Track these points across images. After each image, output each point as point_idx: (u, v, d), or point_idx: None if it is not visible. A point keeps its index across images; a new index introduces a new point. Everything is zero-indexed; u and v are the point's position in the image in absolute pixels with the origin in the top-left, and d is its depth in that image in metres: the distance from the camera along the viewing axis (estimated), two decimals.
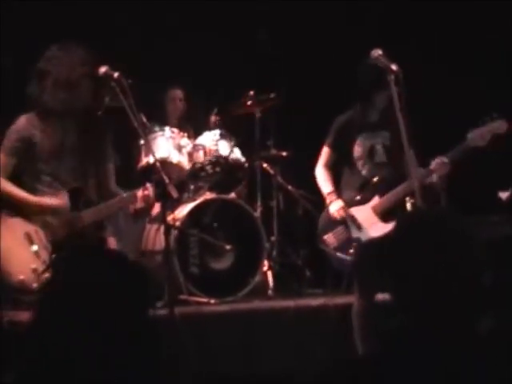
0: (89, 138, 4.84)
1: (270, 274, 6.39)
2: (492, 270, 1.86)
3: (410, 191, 4.97)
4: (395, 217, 5.07)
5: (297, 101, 7.02)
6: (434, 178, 5.10)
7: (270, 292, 6.33)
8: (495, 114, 5.03)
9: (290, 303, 5.73)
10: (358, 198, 5.31)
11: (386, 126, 5.20)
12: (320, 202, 5.65)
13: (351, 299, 5.20)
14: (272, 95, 6.75)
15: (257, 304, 6.01)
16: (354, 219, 5.28)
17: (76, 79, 4.71)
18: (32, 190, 4.79)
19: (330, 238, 5.38)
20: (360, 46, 5.01)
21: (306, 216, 6.76)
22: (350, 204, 5.32)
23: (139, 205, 4.80)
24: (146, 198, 4.78)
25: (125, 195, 4.86)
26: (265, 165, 6.86)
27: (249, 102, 6.82)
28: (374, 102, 5.22)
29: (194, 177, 6.45)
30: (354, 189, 5.33)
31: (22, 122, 4.83)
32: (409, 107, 4.73)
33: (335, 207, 5.33)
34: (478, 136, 4.99)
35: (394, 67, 4.71)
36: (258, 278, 6.21)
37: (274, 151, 6.95)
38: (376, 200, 5.24)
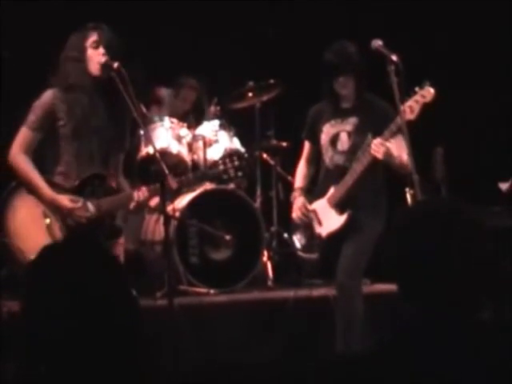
0: (114, 122, 4.73)
1: (269, 265, 6.39)
2: (498, 259, 1.85)
3: (359, 178, 4.81)
4: (349, 207, 4.92)
5: (297, 91, 7.00)
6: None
7: (269, 282, 6.32)
8: (427, 81, 4.75)
9: (289, 293, 5.73)
10: (318, 190, 5.10)
11: (358, 112, 4.99)
12: None
13: None
14: (272, 81, 6.72)
15: (256, 294, 6.02)
16: (315, 214, 5.08)
17: (84, 55, 4.65)
18: (51, 173, 4.70)
19: (298, 237, 5.22)
20: (362, 36, 4.97)
21: None
22: (312, 198, 5.12)
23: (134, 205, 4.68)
24: (139, 202, 4.67)
25: (127, 193, 4.76)
26: (265, 155, 6.85)
27: (249, 93, 6.81)
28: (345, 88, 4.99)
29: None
30: (320, 180, 5.14)
31: (48, 95, 4.67)
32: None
33: (295, 206, 5.15)
34: (407, 109, 4.68)
35: (394, 58, 4.65)
36: (257, 269, 6.21)
37: (274, 141, 6.94)
38: (331, 191, 5.00)
